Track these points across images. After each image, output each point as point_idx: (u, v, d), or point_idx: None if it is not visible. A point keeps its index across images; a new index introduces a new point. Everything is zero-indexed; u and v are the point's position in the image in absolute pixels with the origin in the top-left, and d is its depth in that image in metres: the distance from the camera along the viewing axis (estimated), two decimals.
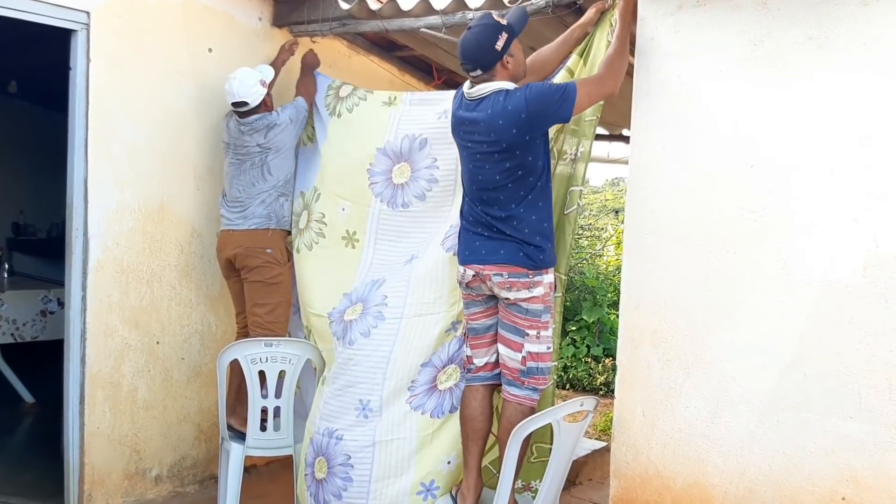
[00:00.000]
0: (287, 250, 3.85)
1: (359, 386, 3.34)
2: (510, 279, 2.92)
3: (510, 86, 2.89)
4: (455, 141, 3.08)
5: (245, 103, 3.73)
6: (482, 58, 2.86)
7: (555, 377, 3.17)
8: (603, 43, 3.12)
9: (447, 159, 3.47)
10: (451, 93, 3.71)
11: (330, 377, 3.47)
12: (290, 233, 3.90)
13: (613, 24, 3.08)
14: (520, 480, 3.05)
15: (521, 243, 2.91)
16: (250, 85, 3.72)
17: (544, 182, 2.95)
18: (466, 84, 2.99)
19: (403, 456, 3.24)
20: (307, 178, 3.94)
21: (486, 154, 2.89)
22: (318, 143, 3.95)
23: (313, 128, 4.01)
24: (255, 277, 3.78)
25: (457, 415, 3.21)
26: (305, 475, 3.47)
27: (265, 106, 3.80)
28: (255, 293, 3.80)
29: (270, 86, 3.93)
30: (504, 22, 2.89)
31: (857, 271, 2.54)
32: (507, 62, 2.88)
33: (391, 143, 3.66)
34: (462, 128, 2.99)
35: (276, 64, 4.10)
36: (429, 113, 3.62)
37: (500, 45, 2.84)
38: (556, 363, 3.21)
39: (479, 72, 2.88)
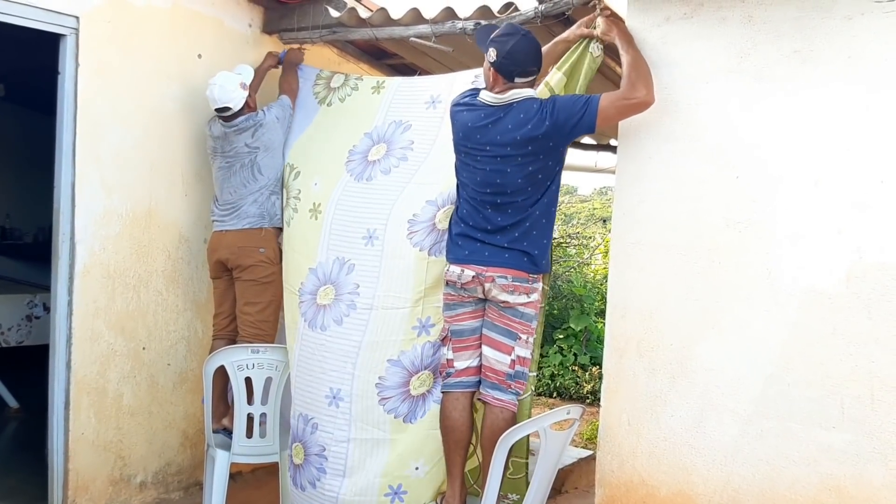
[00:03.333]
0: (279, 249, 3.85)
1: (330, 374, 3.38)
2: (514, 283, 2.93)
3: (535, 93, 2.96)
4: (462, 147, 3.06)
5: (228, 108, 3.73)
6: (533, 64, 2.95)
7: (532, 388, 3.18)
8: (585, 58, 3.14)
9: (423, 142, 3.52)
10: (437, 78, 3.77)
11: (299, 359, 3.50)
12: (282, 230, 3.89)
13: (595, 40, 3.11)
14: None
15: (528, 246, 2.93)
16: (231, 90, 3.72)
17: (556, 188, 3.00)
18: (486, 93, 2.99)
19: (376, 456, 3.27)
20: (285, 157, 3.95)
21: (509, 157, 2.91)
22: (300, 126, 3.98)
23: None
24: (247, 276, 3.78)
25: (427, 420, 3.22)
26: (288, 455, 3.54)
27: (248, 107, 3.81)
28: (246, 292, 3.80)
29: (254, 90, 3.93)
30: None
31: (840, 282, 2.57)
32: (535, 80, 2.99)
33: (378, 128, 3.72)
34: (480, 131, 2.97)
35: (260, 70, 4.08)
36: (417, 100, 3.67)
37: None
38: (535, 373, 3.22)
39: (522, 78, 2.93)
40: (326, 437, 3.35)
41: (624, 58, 2.93)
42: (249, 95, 3.81)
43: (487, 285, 2.97)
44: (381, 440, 3.27)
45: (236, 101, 3.73)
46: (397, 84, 3.85)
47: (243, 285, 3.80)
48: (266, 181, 3.80)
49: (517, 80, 2.93)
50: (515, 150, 2.89)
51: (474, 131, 2.99)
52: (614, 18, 3.07)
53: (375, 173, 3.57)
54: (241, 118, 3.75)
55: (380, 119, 3.74)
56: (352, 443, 3.29)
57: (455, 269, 3.04)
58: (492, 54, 2.94)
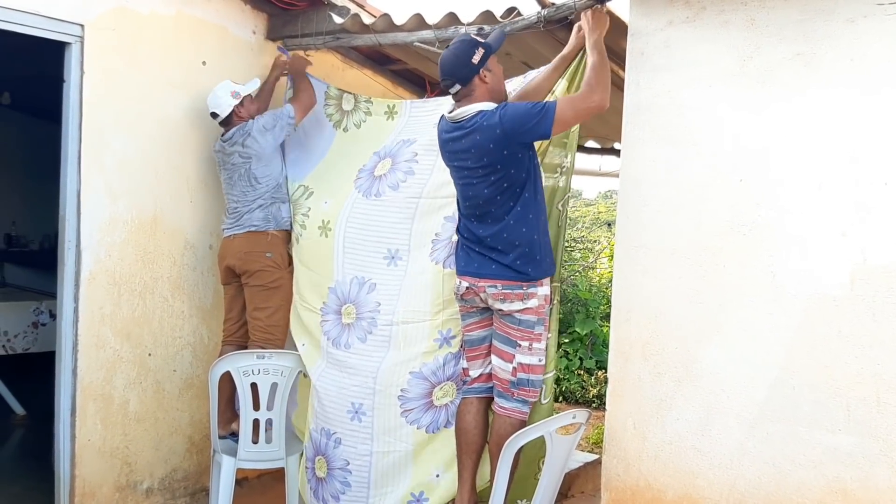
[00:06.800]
0: (288, 254, 3.86)
1: (352, 389, 3.42)
2: (504, 291, 2.96)
3: (490, 106, 2.95)
4: (445, 164, 3.17)
5: (216, 114, 3.80)
6: (459, 71, 2.95)
7: (553, 392, 3.19)
8: (583, 62, 3.16)
9: (429, 155, 3.54)
10: (447, 98, 3.79)
11: (321, 374, 3.52)
12: (289, 234, 3.90)
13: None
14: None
15: (512, 258, 2.95)
16: (220, 96, 3.79)
17: (532, 194, 2.98)
18: (447, 109, 3.07)
19: (399, 467, 3.32)
20: (294, 174, 3.97)
21: (472, 170, 2.97)
22: (320, 152, 4.00)
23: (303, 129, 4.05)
24: (255, 282, 3.79)
25: (449, 429, 3.24)
26: (307, 468, 3.58)
27: (237, 117, 3.81)
28: (255, 297, 3.81)
29: (264, 101, 3.95)
30: (481, 39, 2.99)
31: (844, 284, 2.56)
32: (485, 76, 2.97)
33: (387, 147, 3.76)
34: (447, 148, 3.08)
35: (270, 80, 4.10)
36: (427, 122, 3.71)
37: (476, 58, 2.93)
38: (552, 373, 3.23)
39: (457, 87, 2.97)
40: (350, 452, 3.39)
41: (589, 59, 2.96)
42: (241, 105, 3.81)
43: (482, 295, 3.03)
44: (404, 452, 3.31)
45: (222, 107, 3.78)
46: (409, 107, 3.90)
47: (251, 291, 3.81)
48: (264, 189, 3.81)
49: (457, 88, 2.96)
50: (474, 162, 2.95)
51: (444, 146, 3.10)
52: (603, 17, 3.06)
53: (383, 189, 3.59)
54: (233, 129, 3.79)
55: (391, 140, 3.79)
56: (375, 456, 3.33)
57: (456, 280, 3.14)
58: None
